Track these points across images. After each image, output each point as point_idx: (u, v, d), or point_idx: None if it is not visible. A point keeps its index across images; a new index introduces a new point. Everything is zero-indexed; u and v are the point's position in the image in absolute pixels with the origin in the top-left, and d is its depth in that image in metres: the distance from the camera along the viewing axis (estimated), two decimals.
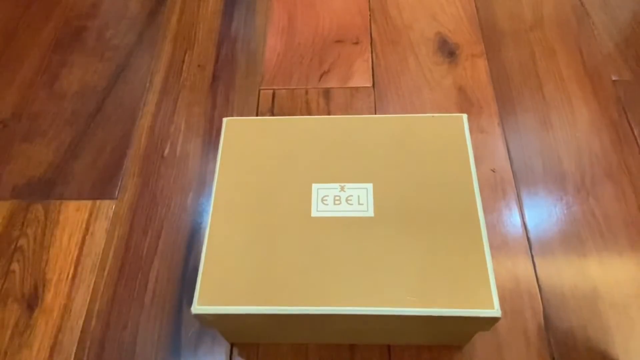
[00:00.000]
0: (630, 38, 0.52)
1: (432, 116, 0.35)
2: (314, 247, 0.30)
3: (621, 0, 0.55)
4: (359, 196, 0.32)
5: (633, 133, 0.46)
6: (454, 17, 0.55)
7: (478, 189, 0.32)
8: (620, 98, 0.48)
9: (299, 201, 0.32)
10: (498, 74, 0.50)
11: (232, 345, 0.37)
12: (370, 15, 0.56)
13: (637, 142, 0.45)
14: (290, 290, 0.29)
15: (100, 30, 0.56)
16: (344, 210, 0.31)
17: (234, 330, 0.34)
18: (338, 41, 0.54)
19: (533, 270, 0.38)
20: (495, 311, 0.27)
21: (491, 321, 0.28)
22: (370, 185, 0.32)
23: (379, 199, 0.32)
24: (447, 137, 0.34)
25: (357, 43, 0.54)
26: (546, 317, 0.37)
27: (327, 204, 0.32)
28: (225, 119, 0.36)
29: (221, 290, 0.29)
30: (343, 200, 0.32)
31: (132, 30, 0.56)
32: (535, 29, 0.54)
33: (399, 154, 0.34)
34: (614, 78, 0.49)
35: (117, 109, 0.50)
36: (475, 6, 0.56)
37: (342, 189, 0.32)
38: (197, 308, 0.29)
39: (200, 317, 0.30)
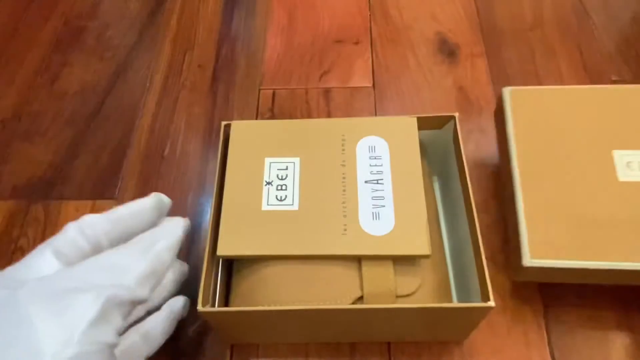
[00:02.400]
0: (630, 38, 0.52)
1: None
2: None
3: (621, 0, 0.56)
4: None
5: None
6: (454, 17, 0.55)
7: None
8: None
9: (603, 167, 0.34)
10: (498, 74, 0.50)
11: (232, 346, 0.37)
12: (370, 15, 0.56)
13: None
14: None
15: (100, 30, 0.56)
16: None
17: (235, 329, 0.34)
18: (338, 41, 0.54)
19: None
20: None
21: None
22: None
23: None
24: None
25: (357, 43, 0.54)
26: (546, 316, 0.37)
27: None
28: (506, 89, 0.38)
29: None
30: None
31: (132, 30, 0.56)
32: (535, 28, 0.54)
33: None
34: (614, 78, 0.49)
35: (117, 109, 0.50)
36: (475, 6, 0.56)
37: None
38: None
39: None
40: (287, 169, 0.34)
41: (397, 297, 0.31)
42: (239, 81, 0.51)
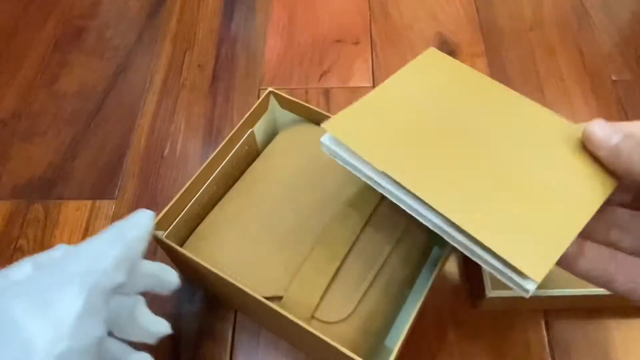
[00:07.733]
0: (630, 38, 0.52)
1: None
2: None
3: (621, 0, 0.56)
4: None
5: None
6: (454, 17, 0.55)
7: None
8: (620, 98, 0.48)
9: None
10: (498, 74, 0.50)
11: (232, 346, 0.37)
12: (370, 15, 0.56)
13: None
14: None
15: (100, 30, 0.56)
16: None
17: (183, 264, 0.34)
18: (338, 41, 0.54)
19: None
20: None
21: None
22: None
23: None
24: None
25: (357, 43, 0.54)
26: (546, 316, 0.37)
27: None
28: None
29: None
30: None
31: (132, 30, 0.56)
32: (535, 28, 0.54)
33: None
34: (614, 78, 0.49)
35: (117, 109, 0.50)
36: (475, 6, 0.56)
37: None
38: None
39: None
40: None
41: (313, 317, 0.30)
42: (239, 81, 0.51)
